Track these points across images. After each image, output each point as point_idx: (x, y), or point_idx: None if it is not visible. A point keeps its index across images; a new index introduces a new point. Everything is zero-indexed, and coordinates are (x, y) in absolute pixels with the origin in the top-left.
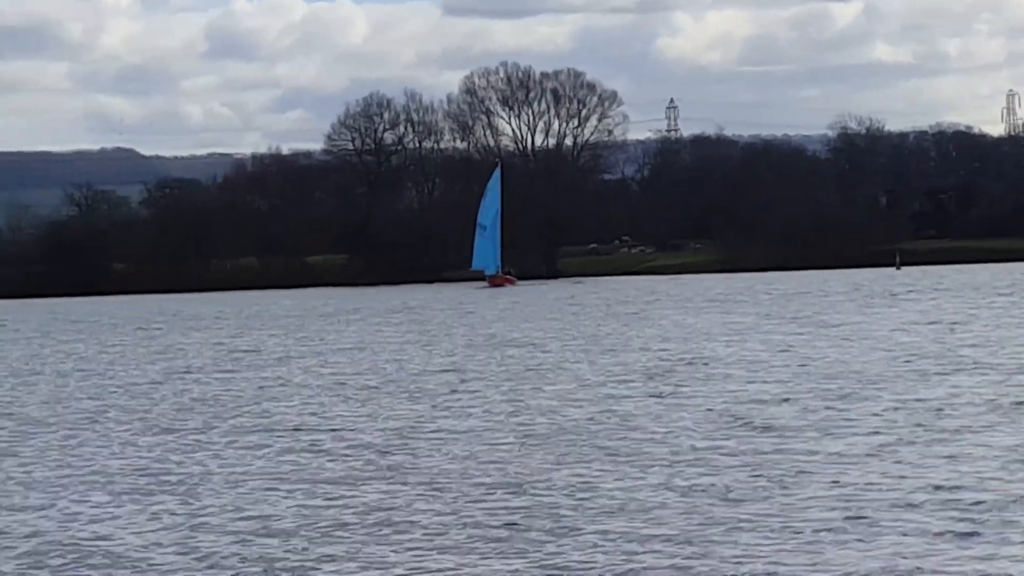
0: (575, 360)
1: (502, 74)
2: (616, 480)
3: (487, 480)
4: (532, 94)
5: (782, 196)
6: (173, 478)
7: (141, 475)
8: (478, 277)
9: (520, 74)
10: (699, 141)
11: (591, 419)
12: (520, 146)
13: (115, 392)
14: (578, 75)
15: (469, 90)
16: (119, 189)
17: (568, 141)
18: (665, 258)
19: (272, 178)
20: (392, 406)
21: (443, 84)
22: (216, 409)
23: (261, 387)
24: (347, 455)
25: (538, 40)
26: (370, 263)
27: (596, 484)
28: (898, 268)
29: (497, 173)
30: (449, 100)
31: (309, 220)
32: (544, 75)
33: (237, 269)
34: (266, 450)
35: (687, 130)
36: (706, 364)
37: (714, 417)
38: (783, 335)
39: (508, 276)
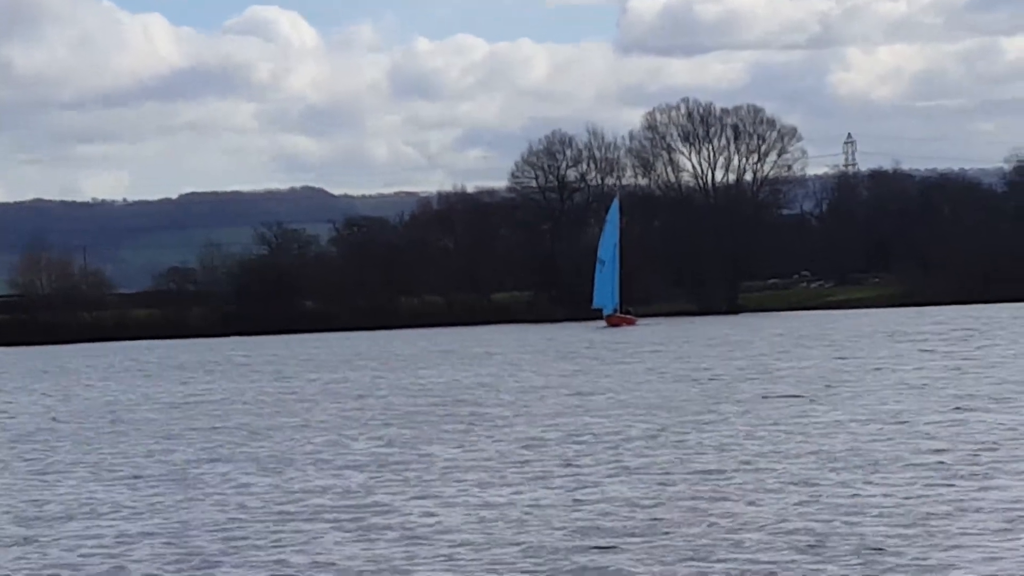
0: None
1: (683, 110)
2: None
3: None
4: (712, 130)
5: (960, 230)
6: None
7: None
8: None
9: (700, 110)
10: (876, 176)
11: None
12: (700, 181)
13: None
14: (757, 111)
15: (651, 126)
16: (308, 227)
17: (748, 176)
18: (844, 292)
19: (458, 216)
20: None
21: (622, 121)
22: None
23: None
24: None
25: (713, 77)
26: (555, 299)
27: None
28: None
29: (615, 205)
30: (631, 137)
31: (494, 257)
32: (724, 111)
33: (424, 306)
34: None
35: (863, 164)
36: None
37: None
38: None
39: (627, 315)
